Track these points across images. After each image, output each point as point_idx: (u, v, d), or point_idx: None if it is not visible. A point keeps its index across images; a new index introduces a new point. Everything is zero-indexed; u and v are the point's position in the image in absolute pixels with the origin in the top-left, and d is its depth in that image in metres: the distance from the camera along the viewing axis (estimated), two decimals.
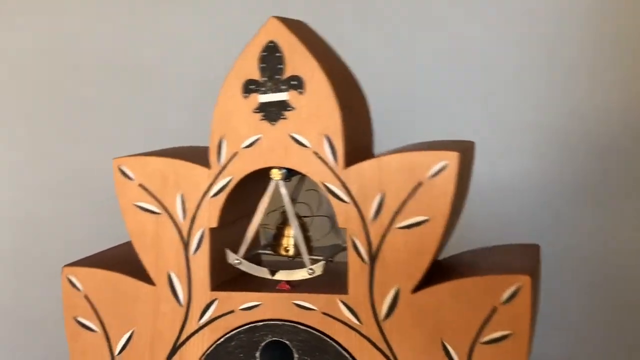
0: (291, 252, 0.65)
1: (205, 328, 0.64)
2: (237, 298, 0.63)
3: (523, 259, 0.62)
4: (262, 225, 0.64)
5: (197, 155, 0.65)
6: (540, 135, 0.92)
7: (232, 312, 0.63)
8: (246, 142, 0.62)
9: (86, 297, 0.67)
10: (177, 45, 1.00)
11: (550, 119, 0.91)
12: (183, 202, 0.64)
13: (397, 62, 0.94)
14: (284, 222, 0.65)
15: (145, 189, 0.65)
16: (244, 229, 0.68)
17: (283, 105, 0.61)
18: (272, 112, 0.61)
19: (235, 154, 0.62)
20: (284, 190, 0.62)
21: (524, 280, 0.56)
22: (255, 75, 0.61)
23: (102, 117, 1.03)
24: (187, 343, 0.64)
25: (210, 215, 0.63)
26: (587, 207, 0.91)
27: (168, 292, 0.65)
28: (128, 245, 0.70)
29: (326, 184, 0.60)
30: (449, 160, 0.57)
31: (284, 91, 0.61)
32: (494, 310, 0.57)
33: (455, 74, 0.94)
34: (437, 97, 0.95)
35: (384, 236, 0.59)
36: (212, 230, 0.64)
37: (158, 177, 0.64)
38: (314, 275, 0.61)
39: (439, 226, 0.58)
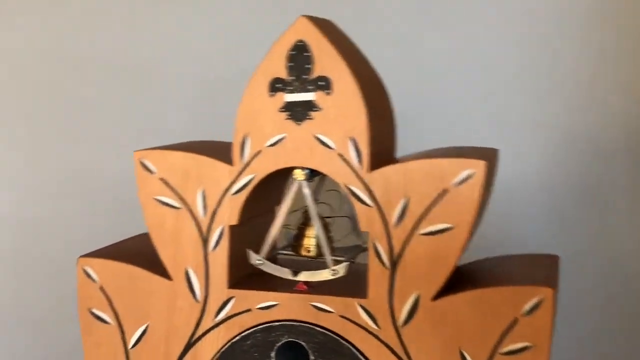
0: (313, 252, 0.64)
1: (221, 325, 0.64)
2: (254, 297, 0.63)
3: (544, 270, 0.62)
4: (284, 225, 0.64)
5: (220, 151, 0.64)
6: (544, 135, 0.91)
7: (248, 310, 0.63)
8: (270, 140, 0.61)
9: (101, 289, 0.67)
10: (177, 45, 1.00)
11: (552, 119, 0.91)
12: (204, 198, 0.63)
13: (398, 62, 0.94)
14: (305, 223, 0.65)
15: (166, 183, 0.64)
16: (262, 226, 0.68)
17: (309, 106, 0.60)
18: (298, 112, 0.61)
19: (258, 152, 0.62)
20: (307, 191, 0.62)
21: (547, 292, 0.56)
22: (282, 74, 0.61)
23: (102, 117, 1.02)
24: (203, 339, 0.64)
25: (231, 213, 0.63)
26: (594, 208, 0.91)
27: (185, 288, 0.64)
28: (144, 238, 0.70)
29: (349, 186, 0.60)
30: (476, 168, 0.57)
31: (310, 91, 0.60)
32: (514, 322, 0.57)
33: (458, 74, 0.94)
34: (439, 97, 0.94)
35: (406, 242, 0.59)
36: (231, 227, 0.63)
37: (179, 172, 0.64)
38: (337, 276, 0.61)
39: (463, 234, 0.58)
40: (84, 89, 1.03)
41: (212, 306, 0.64)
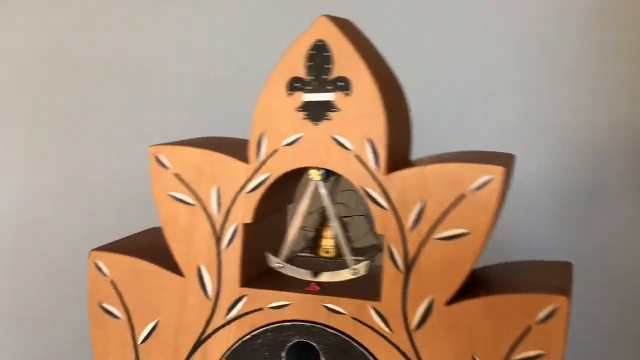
0: (332, 253, 0.64)
1: (232, 323, 0.64)
2: (266, 296, 0.63)
3: (558, 278, 0.61)
4: (301, 227, 0.64)
5: (236, 149, 0.64)
6: (546, 136, 0.91)
7: (260, 309, 0.63)
8: (287, 140, 0.61)
9: (112, 283, 0.67)
10: (177, 45, 0.99)
11: (555, 119, 0.91)
12: (218, 196, 0.63)
13: (398, 62, 0.93)
14: (322, 224, 0.65)
15: (181, 179, 0.64)
16: (273, 225, 0.68)
17: (327, 106, 0.60)
18: (316, 112, 0.60)
19: (275, 151, 0.61)
20: (323, 191, 0.61)
21: (561, 301, 0.56)
22: (301, 73, 0.60)
23: (102, 117, 1.02)
24: (213, 337, 0.64)
25: (245, 211, 0.63)
26: (600, 209, 0.91)
27: (197, 285, 0.64)
28: (156, 232, 0.70)
29: (366, 188, 0.59)
30: (495, 174, 0.57)
31: (329, 91, 0.60)
32: (528, 329, 0.57)
33: (459, 74, 0.93)
34: (440, 98, 0.94)
35: (421, 246, 0.58)
36: (245, 225, 0.63)
37: (194, 168, 0.64)
38: (358, 275, 0.61)
39: (479, 240, 0.57)
40: (84, 89, 1.03)
41: (224, 304, 0.64)
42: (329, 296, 0.61)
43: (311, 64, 0.60)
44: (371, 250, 0.63)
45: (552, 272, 0.63)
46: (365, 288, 0.62)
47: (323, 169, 0.61)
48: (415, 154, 0.65)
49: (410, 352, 0.59)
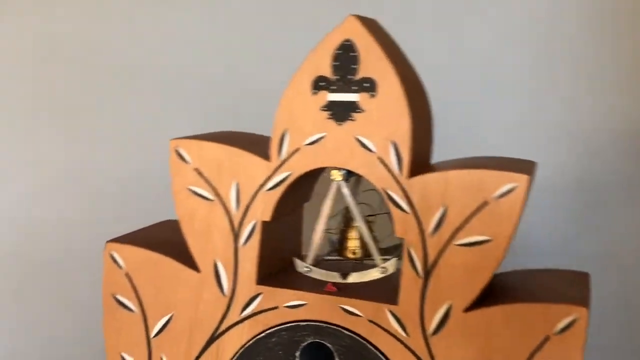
0: (358, 254, 0.64)
1: (247, 321, 0.63)
2: (283, 295, 0.62)
3: (577, 288, 0.61)
4: (326, 230, 0.63)
5: (257, 146, 0.63)
6: (550, 137, 0.91)
7: (275, 308, 0.62)
8: (310, 139, 0.61)
9: (127, 275, 0.66)
10: (177, 45, 0.99)
11: (556, 119, 0.90)
12: (238, 192, 0.63)
13: None
14: (347, 225, 0.64)
15: (200, 174, 0.64)
16: (290, 223, 0.67)
17: (352, 107, 0.59)
18: (340, 112, 0.60)
19: (297, 150, 0.61)
20: (346, 191, 0.61)
21: (581, 312, 0.55)
22: (327, 72, 0.60)
23: (102, 117, 1.02)
24: (227, 334, 0.64)
25: (264, 209, 0.62)
26: (611, 210, 0.90)
27: (212, 281, 0.64)
28: (173, 225, 0.69)
29: (388, 191, 0.59)
30: (519, 182, 0.56)
31: (355, 92, 0.59)
32: (546, 339, 0.56)
33: (461, 75, 0.93)
34: (442, 99, 0.93)
35: (441, 251, 0.58)
36: (263, 223, 0.63)
37: (215, 164, 0.63)
38: (387, 273, 0.60)
39: (500, 248, 0.57)
40: (84, 89, 1.02)
41: (239, 301, 0.63)
42: (346, 298, 0.61)
43: (337, 63, 0.59)
44: (396, 249, 0.63)
45: (570, 282, 0.62)
46: (383, 291, 0.61)
47: (344, 169, 0.61)
48: None
49: (426, 358, 0.59)
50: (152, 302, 0.66)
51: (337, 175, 0.61)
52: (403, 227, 0.59)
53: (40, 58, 1.03)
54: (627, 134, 0.89)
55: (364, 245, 0.63)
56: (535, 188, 0.84)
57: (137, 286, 0.66)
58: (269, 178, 0.62)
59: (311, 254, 0.62)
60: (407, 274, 0.59)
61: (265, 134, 0.64)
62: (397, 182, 0.59)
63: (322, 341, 0.62)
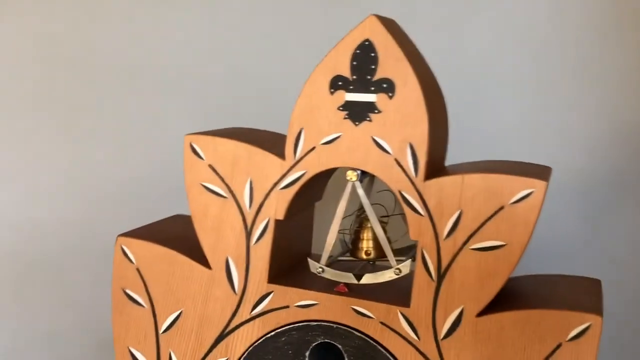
0: (372, 255, 0.63)
1: (257, 319, 0.63)
2: (294, 294, 0.62)
3: (590, 296, 0.61)
4: (340, 231, 0.63)
5: (272, 143, 0.63)
6: (550, 137, 0.90)
7: (286, 307, 0.62)
8: (326, 138, 0.60)
9: (138, 270, 0.66)
10: (177, 45, 0.99)
11: (555, 119, 0.90)
12: (251, 190, 0.62)
13: None
14: (361, 226, 0.64)
15: (215, 171, 0.63)
16: (301, 221, 0.67)
17: (370, 107, 0.59)
18: (357, 112, 0.59)
19: (312, 149, 0.61)
20: (361, 191, 0.61)
21: (595, 320, 0.55)
22: (346, 72, 0.59)
23: (103, 117, 1.01)
24: (236, 331, 0.63)
25: (277, 207, 0.62)
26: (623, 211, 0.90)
27: (223, 278, 0.64)
28: (185, 220, 0.69)
29: (403, 193, 0.59)
30: (536, 188, 0.56)
31: (373, 92, 0.59)
32: (558, 346, 0.56)
33: (463, 75, 0.92)
34: (448, 98, 0.93)
35: (455, 255, 0.58)
36: (276, 221, 0.62)
37: (229, 161, 0.63)
38: (401, 275, 0.60)
39: (515, 253, 0.57)
40: (84, 89, 1.02)
41: (250, 299, 0.63)
42: (358, 299, 0.61)
43: (356, 63, 0.59)
44: (410, 250, 0.62)
45: (582, 289, 0.62)
46: (395, 293, 0.61)
47: (359, 169, 0.60)
48: None
49: None
50: (161, 298, 0.65)
51: (352, 176, 0.60)
52: (417, 229, 0.59)
53: (40, 58, 1.03)
54: (629, 133, 0.89)
55: (377, 246, 0.63)
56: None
57: (147, 281, 0.66)
58: (283, 176, 0.62)
59: (325, 254, 0.62)
60: (420, 276, 0.59)
61: None
62: (413, 184, 0.58)
63: (332, 342, 0.61)
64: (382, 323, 0.60)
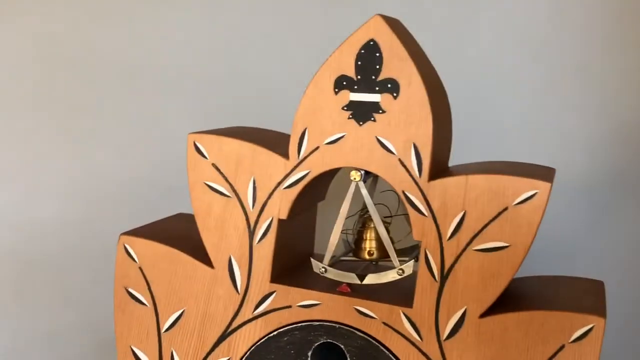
0: (375, 255, 0.63)
1: (259, 319, 0.63)
2: (296, 294, 0.62)
3: (593, 297, 0.61)
4: (343, 231, 0.63)
5: (276, 143, 0.63)
6: (549, 137, 0.90)
7: (289, 307, 0.62)
8: (330, 138, 0.60)
9: (140, 269, 0.66)
10: (177, 45, 0.99)
11: (556, 119, 0.90)
12: (254, 190, 0.62)
13: None
14: (364, 226, 0.64)
15: (218, 170, 0.63)
16: (304, 221, 0.67)
17: (374, 107, 0.59)
18: (361, 112, 0.59)
19: (316, 149, 0.61)
20: (365, 192, 0.61)
21: (598, 321, 0.55)
22: (350, 72, 0.59)
23: (103, 117, 1.01)
24: (239, 331, 0.63)
25: (281, 207, 0.62)
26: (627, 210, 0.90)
27: (226, 277, 0.64)
28: (185, 219, 0.69)
29: (407, 193, 0.59)
30: (540, 189, 0.56)
31: (377, 92, 0.59)
32: (561, 347, 0.56)
33: (465, 76, 0.92)
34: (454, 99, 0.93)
35: (459, 256, 0.58)
36: (279, 221, 0.62)
37: (233, 160, 0.63)
38: (404, 275, 0.60)
39: (519, 254, 0.57)
40: (85, 89, 1.02)
41: (253, 299, 0.63)
42: (361, 299, 0.61)
43: (361, 63, 0.59)
44: (413, 251, 0.62)
45: (586, 290, 0.62)
46: (397, 293, 0.61)
47: (363, 169, 0.60)
48: None
49: None
50: (164, 297, 0.65)
51: (356, 176, 0.60)
52: (421, 230, 0.59)
53: (40, 58, 1.02)
54: (629, 134, 0.89)
55: (380, 247, 0.63)
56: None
57: (149, 280, 0.66)
58: (287, 176, 0.62)
59: (327, 254, 0.62)
60: (423, 277, 0.59)
61: None
62: (417, 184, 0.58)
63: (335, 342, 0.61)
64: (384, 323, 0.60)
